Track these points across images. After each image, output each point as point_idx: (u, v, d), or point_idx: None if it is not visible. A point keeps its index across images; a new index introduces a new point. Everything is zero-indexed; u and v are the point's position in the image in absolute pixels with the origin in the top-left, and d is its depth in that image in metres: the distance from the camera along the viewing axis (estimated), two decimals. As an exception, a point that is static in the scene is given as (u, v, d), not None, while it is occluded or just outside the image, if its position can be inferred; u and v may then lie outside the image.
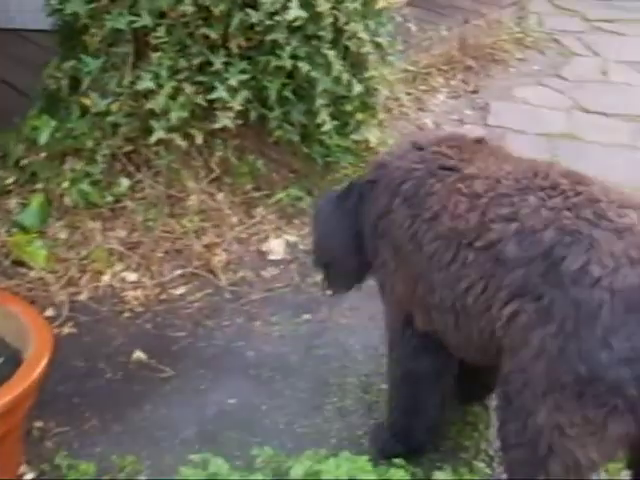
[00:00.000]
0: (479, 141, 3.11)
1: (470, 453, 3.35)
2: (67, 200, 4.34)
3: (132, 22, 4.09)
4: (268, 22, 4.08)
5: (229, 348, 3.94)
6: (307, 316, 4.11)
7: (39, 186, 4.37)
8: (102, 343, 3.95)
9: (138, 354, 3.88)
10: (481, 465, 3.24)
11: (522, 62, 6.78)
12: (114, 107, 4.22)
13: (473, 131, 5.39)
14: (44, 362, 2.84)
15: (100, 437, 3.48)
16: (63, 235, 4.33)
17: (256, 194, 4.62)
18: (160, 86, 4.12)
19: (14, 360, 3.01)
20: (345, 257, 3.35)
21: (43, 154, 4.28)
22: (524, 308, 2.54)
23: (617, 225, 2.49)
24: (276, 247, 4.45)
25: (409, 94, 5.48)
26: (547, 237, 2.54)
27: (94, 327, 4.02)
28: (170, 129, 4.19)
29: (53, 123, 4.26)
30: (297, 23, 4.06)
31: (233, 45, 4.17)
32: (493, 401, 3.42)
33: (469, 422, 3.47)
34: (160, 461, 3.37)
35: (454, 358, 3.15)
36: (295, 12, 3.99)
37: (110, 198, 4.34)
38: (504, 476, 2.99)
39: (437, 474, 3.16)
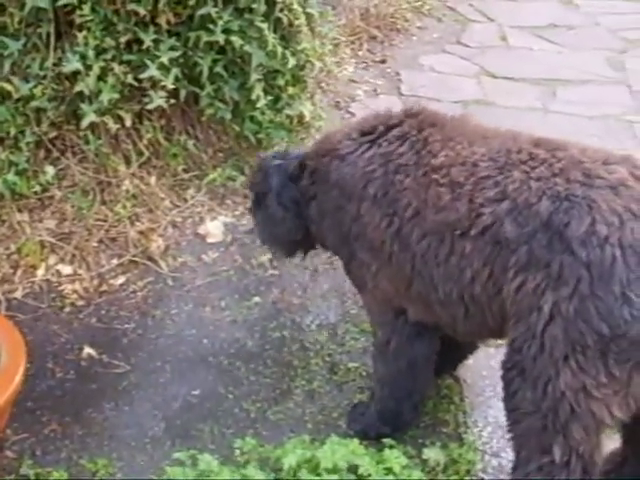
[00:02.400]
0: (412, 114, 3.03)
1: (450, 426, 3.32)
2: (-10, 192, 4.06)
3: (55, 0, 3.83)
4: (199, -5, 3.90)
5: (182, 337, 3.80)
6: (257, 299, 4.00)
7: (-42, 178, 4.08)
8: (46, 341, 3.75)
9: (87, 350, 3.70)
10: (470, 438, 3.19)
11: (422, 30, 6.79)
12: (37, 91, 3.97)
13: (390, 102, 5.35)
14: (20, 372, 2.64)
15: (63, 441, 3.31)
16: (-12, 229, 4.07)
17: (186, 175, 4.46)
18: (88, 67, 3.90)
19: (-18, 369, 2.80)
20: (291, 242, 3.37)
21: (-38, 144, 3.98)
22: (531, 277, 2.52)
23: (610, 182, 2.50)
24: (213, 229, 4.31)
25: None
26: (543, 207, 2.52)
27: (35, 325, 3.81)
28: (101, 112, 3.96)
29: (-30, 111, 3.97)
30: (231, -4, 3.90)
31: (162, 21, 3.98)
32: (464, 372, 3.44)
33: (444, 395, 3.45)
34: (133, 461, 3.23)
35: (438, 339, 3.13)
36: (231, -17, 3.83)
37: (37, 188, 4.08)
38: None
39: (426, 452, 3.12)
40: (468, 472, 3.09)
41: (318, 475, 2.84)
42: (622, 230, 2.41)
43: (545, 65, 6.30)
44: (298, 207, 3.22)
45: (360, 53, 6.17)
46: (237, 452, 3.13)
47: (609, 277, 2.38)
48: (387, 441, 3.07)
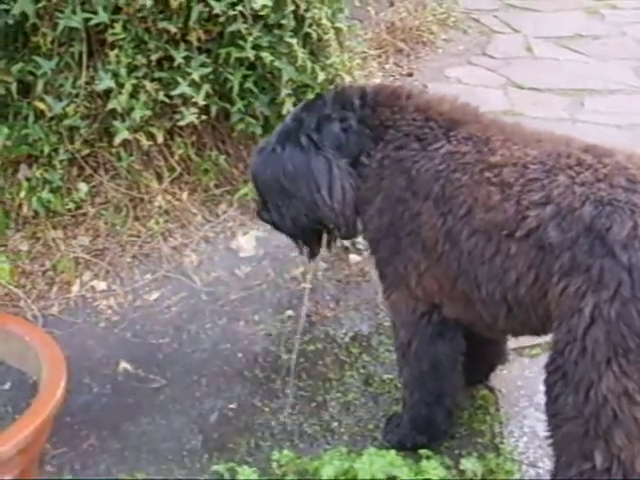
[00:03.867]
0: (478, 119, 3.03)
1: (486, 437, 3.32)
2: (25, 210, 4.11)
3: (87, 20, 3.88)
4: (230, 12, 3.94)
5: (217, 351, 3.82)
6: (290, 312, 4.01)
7: (-7, 197, 4.14)
8: (83, 356, 3.77)
9: (123, 365, 3.72)
10: (508, 448, 3.19)
11: (448, 42, 6.82)
12: (70, 109, 4.01)
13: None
14: (62, 386, 2.66)
15: (101, 455, 3.33)
16: (24, 247, 4.12)
17: (218, 191, 4.49)
18: (120, 85, 3.94)
19: (22, 384, 2.83)
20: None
21: (-2, 163, 4.04)
22: (572, 281, 2.52)
23: None
24: (245, 244, 4.33)
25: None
26: (586, 212, 2.52)
27: (71, 341, 3.83)
28: (133, 129, 4.01)
29: (5, 130, 4.01)
30: (262, 12, 3.93)
31: (193, 38, 4.02)
32: (499, 382, 3.44)
33: (479, 406, 3.45)
34: (170, 475, 3.25)
35: (463, 339, 3.12)
36: (262, 1, 3.86)
37: (71, 205, 4.13)
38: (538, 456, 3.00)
39: (464, 462, 3.12)
40: (505, 482, 3.08)
41: (356, 486, 2.85)
42: None
43: (571, 75, 6.31)
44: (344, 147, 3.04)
45: (387, 66, 6.20)
46: (274, 465, 3.13)
47: None
48: (424, 452, 3.07)
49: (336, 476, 2.89)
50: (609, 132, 5.44)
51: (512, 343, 3.51)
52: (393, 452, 2.96)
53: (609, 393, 2.47)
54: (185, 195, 4.34)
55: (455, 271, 2.84)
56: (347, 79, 4.34)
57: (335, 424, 3.42)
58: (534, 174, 2.67)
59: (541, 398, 3.20)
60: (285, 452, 3.11)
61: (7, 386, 2.85)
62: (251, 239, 4.35)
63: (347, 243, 4.12)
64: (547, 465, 3.11)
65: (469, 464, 3.11)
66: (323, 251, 3.35)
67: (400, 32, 6.49)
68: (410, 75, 6.14)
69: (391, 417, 3.37)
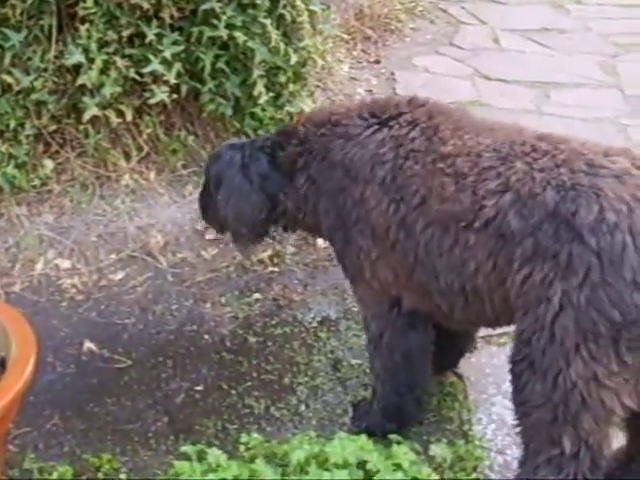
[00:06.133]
0: (419, 104, 3.01)
1: (455, 423, 3.32)
2: (-12, 185, 4.02)
3: (58, -8, 3.81)
4: (204, -10, 3.89)
5: (183, 333, 3.79)
6: (257, 295, 3.99)
7: (-44, 172, 4.04)
8: (46, 335, 3.68)
9: (88, 345, 3.68)
10: (477, 435, 3.19)
11: (415, 31, 6.82)
12: (38, 84, 3.94)
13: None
14: (31, 363, 2.59)
15: (65, 436, 3.28)
16: (-13, 223, 4.03)
17: (185, 171, 4.43)
18: (90, 60, 3.87)
19: (-10, 361, 2.77)
20: (256, 223, 3.24)
21: (-39, 136, 3.95)
22: (537, 268, 2.51)
23: (614, 171, 2.50)
24: (212, 226, 4.27)
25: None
26: (549, 197, 2.51)
27: (34, 319, 3.66)
28: (102, 106, 3.94)
29: (-30, 103, 3.93)
30: (237, -9, 3.89)
31: (165, 15, 3.96)
32: (467, 370, 3.45)
33: (448, 393, 3.44)
34: (136, 456, 3.21)
35: (433, 328, 3.12)
36: (237, -21, 3.82)
37: (36, 181, 4.05)
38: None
39: (433, 448, 3.10)
40: (475, 469, 3.08)
41: (327, 470, 2.82)
42: (631, 217, 2.41)
43: (538, 68, 6.33)
44: (265, 181, 3.15)
45: (355, 53, 6.16)
46: (242, 448, 3.09)
47: (620, 264, 2.38)
48: (394, 437, 3.05)
49: (307, 460, 2.86)
50: (575, 125, 5.46)
51: (480, 332, 3.50)
52: (364, 437, 2.93)
53: (578, 379, 2.48)
54: (152, 175, 4.29)
55: (411, 262, 2.83)
56: (319, 62, 4.31)
57: (303, 408, 3.40)
58: (489, 162, 2.66)
59: (509, 386, 3.21)
60: (254, 435, 3.07)
61: (-26, 362, 2.77)
62: (218, 221, 4.28)
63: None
64: (515, 453, 3.11)
65: (438, 450, 3.10)
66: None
67: (368, 19, 6.46)
68: (377, 62, 6.12)
69: (359, 403, 3.36)
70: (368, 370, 3.51)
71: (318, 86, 4.89)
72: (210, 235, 4.26)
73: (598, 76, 6.24)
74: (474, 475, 3.04)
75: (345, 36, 5.86)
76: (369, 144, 2.93)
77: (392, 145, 2.89)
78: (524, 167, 2.60)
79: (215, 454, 2.87)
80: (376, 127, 2.96)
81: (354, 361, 3.59)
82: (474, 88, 5.98)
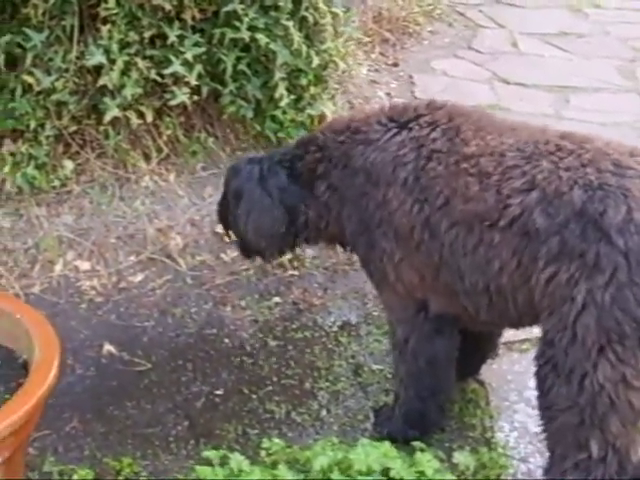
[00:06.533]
0: (438, 106, 3.00)
1: (477, 431, 3.29)
2: (9, 185, 4.01)
3: (81, -8, 3.79)
4: (227, -9, 3.87)
5: (202, 336, 3.76)
6: (277, 299, 3.96)
7: (-25, 172, 4.03)
8: (65, 337, 3.59)
9: (107, 347, 3.65)
10: (500, 442, 3.16)
11: (434, 35, 6.79)
12: (59, 84, 3.92)
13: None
14: (55, 366, 2.57)
15: (85, 439, 3.26)
16: (6, 224, 4.02)
17: (205, 173, 4.41)
18: (112, 61, 3.85)
19: (12, 363, 2.74)
20: (276, 236, 3.22)
21: (-19, 137, 3.93)
22: (564, 268, 2.50)
23: None
24: (232, 228, 4.24)
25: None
26: (576, 197, 2.50)
27: (53, 321, 3.65)
28: (123, 107, 3.92)
29: (-9, 103, 3.92)
30: (261, -7, 3.87)
31: (187, 17, 3.94)
32: (489, 376, 3.44)
33: (470, 400, 3.42)
34: (157, 460, 3.19)
35: (458, 334, 3.09)
36: (260, -19, 3.81)
37: (56, 182, 4.03)
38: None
39: (456, 456, 3.08)
40: (498, 477, 3.05)
41: (350, 477, 2.80)
42: None
43: (557, 72, 6.30)
44: (284, 194, 3.14)
45: (373, 56, 6.13)
46: (263, 453, 3.07)
47: None
48: (417, 444, 3.02)
49: (329, 466, 2.83)
50: (594, 129, 5.35)
51: (502, 338, 3.47)
52: (387, 444, 2.90)
53: (606, 381, 2.46)
54: (172, 176, 4.27)
55: (436, 262, 2.82)
56: (341, 65, 4.29)
57: (324, 413, 3.37)
58: (513, 161, 2.65)
59: (531, 393, 3.20)
60: (276, 440, 3.04)
61: (-4, 364, 2.76)
62: (238, 223, 4.26)
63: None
64: (538, 461, 3.10)
65: (462, 458, 3.07)
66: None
67: (386, 22, 6.44)
68: (395, 65, 6.10)
69: (381, 408, 3.33)
70: (389, 376, 3.49)
71: (338, 89, 4.85)
72: (230, 238, 4.22)
73: (617, 80, 6.20)
74: (498, 483, 3.01)
75: (364, 39, 5.82)
76: (389, 147, 2.93)
77: (413, 146, 2.88)
78: (550, 166, 2.59)
79: (238, 459, 2.85)
80: (395, 130, 2.95)
81: (375, 366, 3.57)
82: (493, 92, 5.95)
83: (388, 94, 5.68)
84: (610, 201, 2.45)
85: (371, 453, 2.84)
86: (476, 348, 3.34)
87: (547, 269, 2.54)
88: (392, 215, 2.90)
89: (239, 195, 3.21)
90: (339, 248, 3.98)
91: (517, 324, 2.93)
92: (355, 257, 3.93)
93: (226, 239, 4.11)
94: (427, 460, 2.89)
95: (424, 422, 3.17)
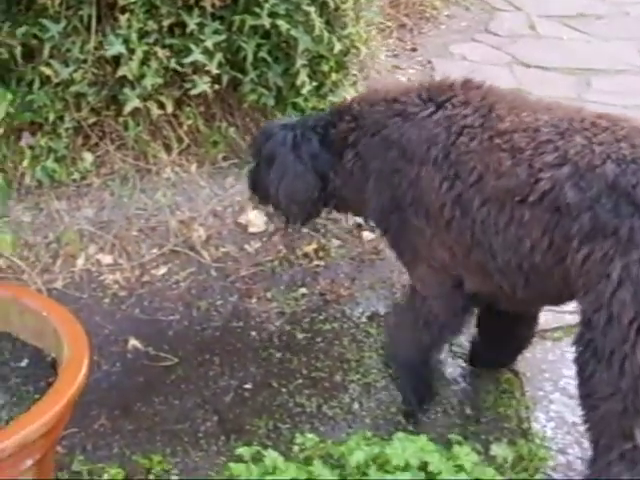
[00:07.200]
0: (474, 86, 2.96)
1: (513, 422, 3.22)
2: (28, 179, 3.94)
3: (98, -19, 3.72)
4: (247, -22, 3.79)
5: (229, 329, 3.70)
6: (303, 290, 3.89)
7: (-5, 166, 3.97)
8: (90, 333, 3.55)
9: (133, 342, 3.59)
10: (538, 433, 3.09)
11: (451, 19, 6.70)
12: (77, 75, 3.84)
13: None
14: (85, 365, 2.51)
15: (113, 436, 3.20)
16: (27, 218, 3.96)
17: (225, 164, 4.34)
18: (131, 51, 3.77)
19: (40, 362, 2.68)
20: (308, 202, 3.20)
21: (0, 130, 3.85)
22: (597, 247, 2.44)
23: None
24: (255, 219, 4.19)
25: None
26: (609, 170, 2.45)
27: (77, 316, 3.65)
28: (143, 97, 3.84)
29: (9, 95, 3.84)
30: (280, -22, 3.78)
31: (207, 4, 3.85)
32: (523, 366, 3.38)
33: (504, 390, 3.35)
34: (187, 457, 3.12)
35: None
36: (281, -35, 3.72)
37: (76, 175, 3.96)
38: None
39: (494, 448, 3.01)
40: (537, 470, 2.98)
41: (387, 472, 2.73)
42: None
43: (577, 55, 6.22)
44: (316, 161, 3.11)
45: (390, 41, 6.05)
46: (296, 448, 3.00)
47: None
48: (454, 437, 2.96)
49: (366, 462, 2.77)
50: (617, 112, 5.31)
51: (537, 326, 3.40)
52: (424, 437, 2.84)
53: None
54: (193, 167, 4.20)
55: (468, 241, 2.76)
56: (363, 50, 4.20)
57: (356, 407, 3.31)
58: (546, 136, 2.60)
59: (566, 382, 3.14)
60: (309, 436, 2.97)
61: (24, 363, 2.69)
62: (260, 214, 4.20)
63: (360, 220, 3.96)
64: (577, 452, 3.03)
65: (500, 450, 3.00)
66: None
67: (403, 7, 6.35)
68: (414, 50, 6.02)
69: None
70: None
71: (359, 75, 4.77)
72: (253, 228, 4.17)
73: (638, 62, 6.09)
74: (538, 476, 2.94)
75: (382, 24, 5.73)
76: (427, 125, 2.86)
77: (445, 125, 2.82)
78: (583, 141, 2.54)
79: (272, 456, 2.78)
80: (432, 109, 2.88)
81: (406, 357, 3.48)
82: (513, 76, 5.86)
83: (408, 79, 5.59)
84: None
85: (408, 447, 2.77)
86: (512, 337, 3.28)
87: (582, 249, 2.49)
88: (423, 193, 2.85)
89: (272, 160, 3.17)
90: (365, 236, 3.95)
91: (557, 301, 2.89)
92: (381, 246, 3.88)
93: (250, 229, 4.06)
94: (465, 453, 2.82)
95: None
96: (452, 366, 3.46)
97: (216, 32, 3.90)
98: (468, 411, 3.29)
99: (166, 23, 3.86)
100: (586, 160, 2.49)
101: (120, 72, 3.81)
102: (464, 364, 3.46)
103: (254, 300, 3.81)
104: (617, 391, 2.48)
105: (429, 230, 2.88)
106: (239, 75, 4.08)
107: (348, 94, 4.27)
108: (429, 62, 5.89)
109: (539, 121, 2.67)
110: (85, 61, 3.86)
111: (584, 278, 2.50)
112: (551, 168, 2.55)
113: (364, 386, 3.38)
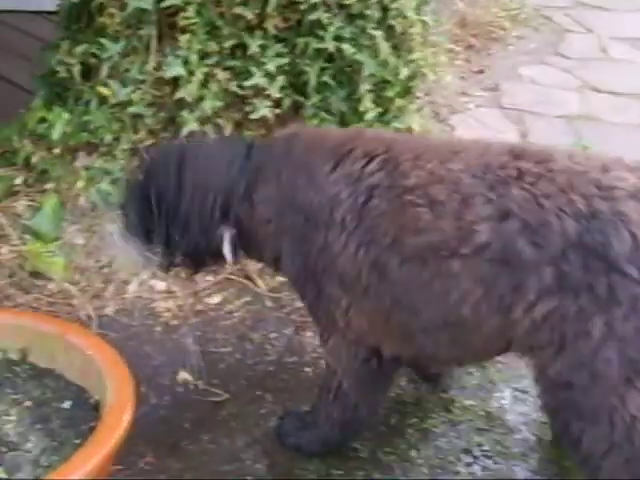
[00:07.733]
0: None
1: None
2: (82, 201, 3.85)
3: (158, 1, 3.62)
4: (311, 0, 3.66)
5: (283, 364, 3.56)
6: (361, 325, 3.72)
7: (49, 186, 3.89)
8: (139, 363, 3.49)
9: (183, 375, 3.46)
10: None
11: (519, 40, 6.51)
12: (135, 96, 3.75)
13: (491, 115, 5.12)
14: (130, 411, 2.39)
15: (159, 476, 3.06)
16: (80, 241, 3.86)
17: (284, 189, 4.18)
18: (190, 72, 3.68)
19: (83, 404, 2.57)
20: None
21: (57, 150, 3.77)
22: (569, 302, 2.32)
23: (627, 191, 2.33)
24: (312, 248, 4.04)
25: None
26: (570, 227, 2.32)
27: (127, 345, 3.57)
28: (201, 120, 3.74)
29: (65, 115, 3.76)
30: (346, 1, 3.65)
31: (270, 26, 3.74)
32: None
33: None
34: (235, 502, 2.96)
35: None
36: (349, -12, 3.59)
37: (131, 198, 3.86)
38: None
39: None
40: None
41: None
42: None
43: (650, 80, 5.99)
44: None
45: (457, 62, 5.89)
46: (350, 497, 2.87)
47: None
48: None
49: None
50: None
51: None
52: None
53: (638, 412, 2.31)
54: (251, 193, 4.06)
55: (387, 304, 2.63)
56: (431, 76, 4.05)
57: (413, 454, 3.14)
58: (472, 189, 2.45)
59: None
60: (363, 486, 2.84)
61: (67, 405, 2.58)
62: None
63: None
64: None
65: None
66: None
67: (471, 27, 6.18)
68: (481, 72, 5.86)
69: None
70: (482, 413, 3.27)
71: (425, 100, 4.62)
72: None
73: None
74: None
75: (449, 46, 5.59)
76: (325, 185, 2.71)
77: (347, 182, 2.67)
78: (523, 194, 2.39)
79: (324, 508, 2.65)
80: (332, 164, 2.73)
81: (467, 402, 3.34)
82: (583, 101, 5.66)
83: (478, 106, 5.43)
84: (610, 230, 2.29)
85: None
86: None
87: (541, 303, 2.37)
88: (335, 260, 2.70)
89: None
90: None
91: (480, 357, 2.88)
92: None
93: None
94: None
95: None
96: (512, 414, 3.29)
97: (279, 55, 3.80)
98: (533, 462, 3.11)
99: (227, 44, 3.78)
100: (536, 216, 2.37)
101: (179, 94, 3.72)
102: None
103: (309, 334, 3.68)
104: (612, 444, 2.40)
105: (345, 298, 2.75)
106: (301, 99, 3.95)
107: (413, 120, 4.12)
108: (496, 85, 5.72)
109: (453, 172, 2.51)
110: (143, 82, 3.79)
111: (546, 333, 2.39)
112: (488, 221, 2.41)
113: (421, 431, 3.23)
